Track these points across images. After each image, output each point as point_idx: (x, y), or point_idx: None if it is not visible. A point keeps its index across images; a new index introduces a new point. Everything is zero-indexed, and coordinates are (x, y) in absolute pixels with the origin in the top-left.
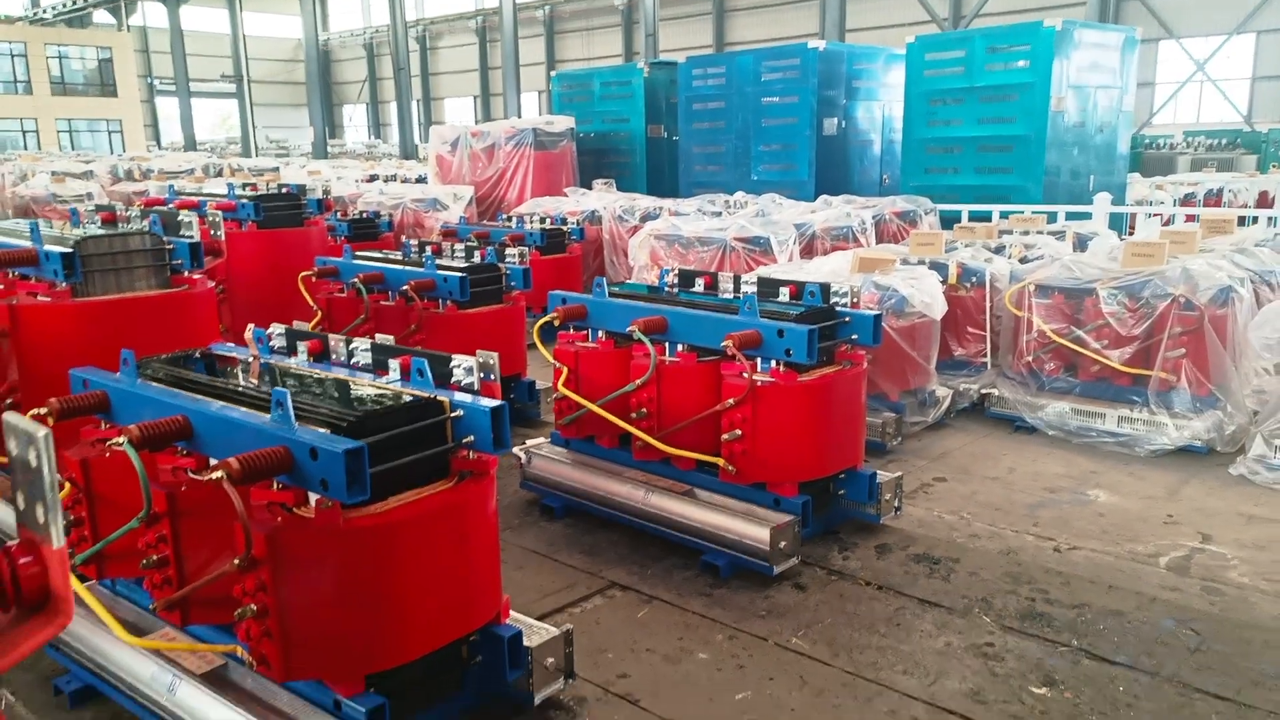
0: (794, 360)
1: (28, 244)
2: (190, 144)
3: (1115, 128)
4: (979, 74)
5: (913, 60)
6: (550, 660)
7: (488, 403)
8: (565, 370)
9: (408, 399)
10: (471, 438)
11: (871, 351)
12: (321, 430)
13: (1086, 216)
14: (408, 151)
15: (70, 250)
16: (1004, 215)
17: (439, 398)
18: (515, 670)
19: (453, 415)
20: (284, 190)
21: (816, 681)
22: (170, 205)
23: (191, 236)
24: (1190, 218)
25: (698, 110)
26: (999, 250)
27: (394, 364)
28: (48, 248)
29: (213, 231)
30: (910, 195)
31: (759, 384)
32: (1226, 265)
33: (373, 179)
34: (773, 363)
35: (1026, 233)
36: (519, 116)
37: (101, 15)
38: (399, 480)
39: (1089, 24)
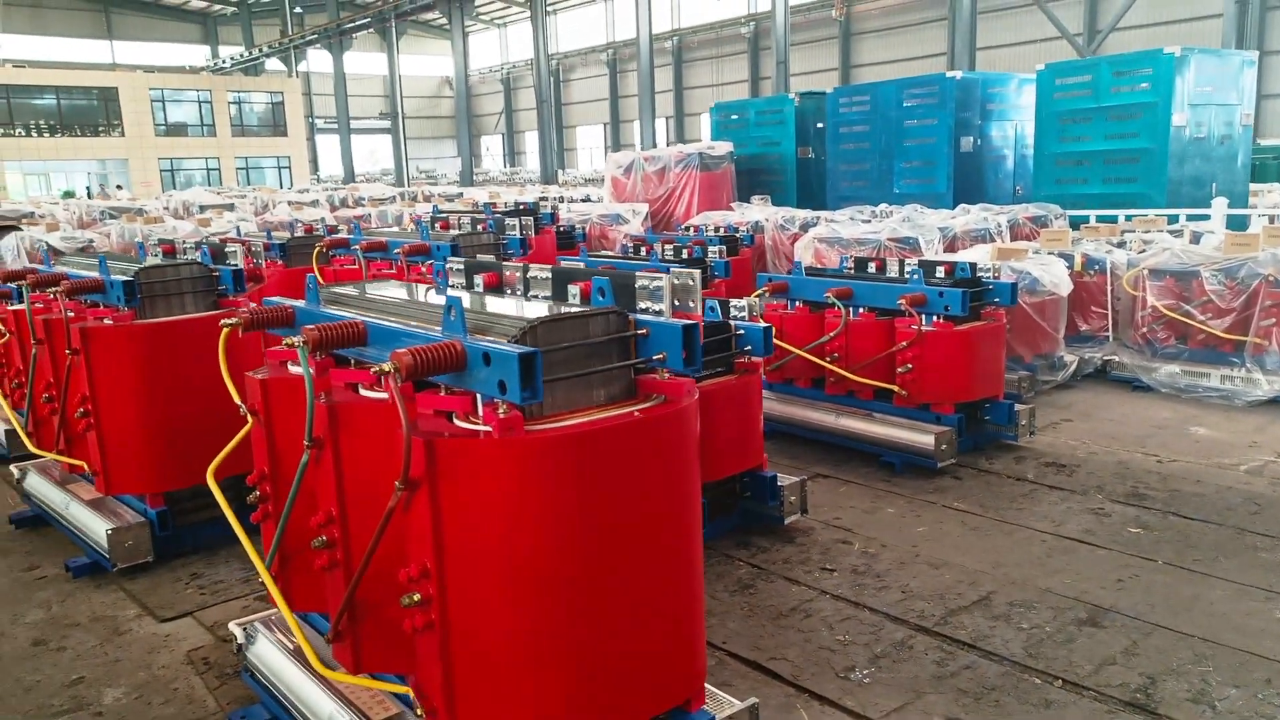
0: (951, 314)
1: (419, 240)
2: (349, 176)
3: (1234, 140)
4: (1105, 95)
5: (1043, 85)
6: (793, 497)
7: (758, 325)
8: (773, 328)
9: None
10: (750, 347)
11: (1009, 320)
12: None
13: (1206, 219)
14: (548, 177)
15: (454, 243)
16: (1128, 219)
17: (728, 321)
18: (773, 501)
19: (736, 333)
20: (521, 206)
21: (972, 524)
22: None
23: (516, 235)
24: None
25: (844, 133)
26: (1120, 245)
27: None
28: (436, 241)
29: (523, 232)
30: (1042, 203)
31: (925, 331)
32: None
33: (543, 199)
34: (935, 317)
35: (1148, 231)
36: (654, 144)
37: (272, 63)
38: (709, 369)
39: (1206, 50)
